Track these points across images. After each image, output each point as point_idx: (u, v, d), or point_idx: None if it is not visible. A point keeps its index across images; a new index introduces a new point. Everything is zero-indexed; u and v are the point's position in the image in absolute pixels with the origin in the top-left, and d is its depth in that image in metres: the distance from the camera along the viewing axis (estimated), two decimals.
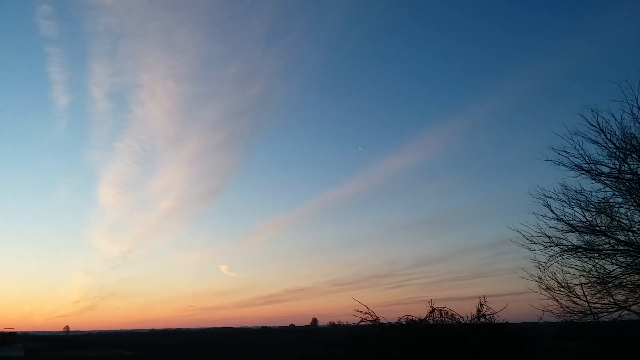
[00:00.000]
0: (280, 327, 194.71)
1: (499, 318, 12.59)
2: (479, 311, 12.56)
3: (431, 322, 12.87)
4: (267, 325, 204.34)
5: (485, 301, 12.64)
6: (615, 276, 13.64)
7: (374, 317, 12.96)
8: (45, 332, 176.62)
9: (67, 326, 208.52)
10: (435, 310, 12.93)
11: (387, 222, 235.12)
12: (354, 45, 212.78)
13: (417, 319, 13.14)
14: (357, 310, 13.07)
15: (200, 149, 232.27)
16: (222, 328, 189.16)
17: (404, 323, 13.34)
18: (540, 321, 13.82)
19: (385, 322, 13.12)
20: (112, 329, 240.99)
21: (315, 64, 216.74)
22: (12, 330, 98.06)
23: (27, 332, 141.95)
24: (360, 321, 13.01)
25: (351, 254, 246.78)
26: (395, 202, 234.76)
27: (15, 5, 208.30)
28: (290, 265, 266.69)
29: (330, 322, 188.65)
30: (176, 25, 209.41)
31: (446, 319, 12.86)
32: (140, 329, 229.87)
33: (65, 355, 68.19)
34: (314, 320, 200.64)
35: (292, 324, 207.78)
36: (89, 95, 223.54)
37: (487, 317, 12.50)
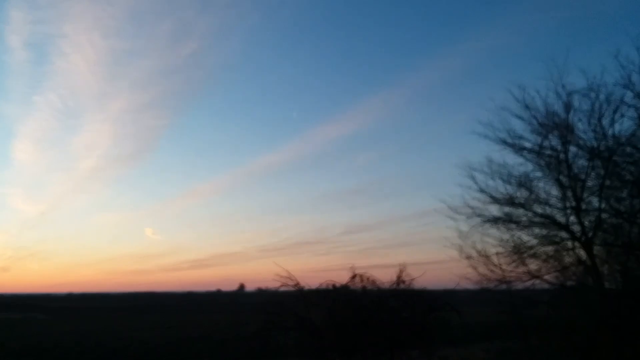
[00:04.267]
0: (206, 292, 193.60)
1: (418, 284, 12.84)
2: (398, 277, 12.73)
3: (352, 287, 12.92)
4: (193, 290, 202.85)
5: (404, 268, 12.85)
6: (530, 246, 14.16)
7: (295, 282, 12.85)
8: None
9: None
10: (357, 276, 12.98)
11: (318, 190, 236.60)
12: (295, 8, 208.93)
13: (338, 285, 13.15)
14: (279, 275, 12.93)
15: (128, 108, 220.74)
16: (144, 292, 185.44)
17: (324, 288, 13.29)
18: (458, 288, 14.21)
19: (307, 287, 13.03)
20: (27, 291, 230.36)
21: (254, 25, 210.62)
22: None
23: None
24: (281, 286, 12.88)
25: (281, 220, 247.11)
26: (327, 171, 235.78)
27: None
28: (219, 231, 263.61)
29: (257, 288, 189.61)
30: None
31: (367, 285, 12.95)
32: (58, 292, 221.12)
33: None
34: (241, 286, 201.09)
35: (218, 289, 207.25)
36: (6, 44, 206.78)
37: (406, 283, 12.71)
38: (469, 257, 14.72)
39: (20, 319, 64.62)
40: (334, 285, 13.29)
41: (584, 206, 13.53)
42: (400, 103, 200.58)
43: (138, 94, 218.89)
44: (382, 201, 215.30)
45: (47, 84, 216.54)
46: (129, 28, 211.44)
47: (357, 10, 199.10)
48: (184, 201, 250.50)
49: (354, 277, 12.96)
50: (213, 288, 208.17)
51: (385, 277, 13.17)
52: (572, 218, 13.66)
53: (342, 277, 13.23)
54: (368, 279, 12.93)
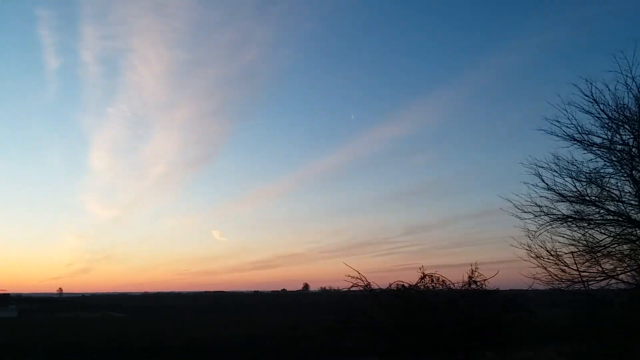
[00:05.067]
0: (272, 291, 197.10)
1: (490, 285, 12.81)
2: (470, 277, 12.75)
3: (422, 288, 13.07)
4: (260, 290, 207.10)
5: (476, 268, 12.82)
6: (604, 245, 13.79)
7: (366, 283, 13.12)
8: (38, 294, 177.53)
9: (60, 288, 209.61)
10: (426, 277, 13.14)
11: (378, 191, 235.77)
12: (347, 15, 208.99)
13: (408, 285, 13.33)
14: (349, 276, 13.22)
15: (192, 115, 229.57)
16: (214, 292, 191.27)
17: (394, 289, 13.51)
18: (526, 288, 14.04)
19: (377, 287, 13.30)
20: (105, 291, 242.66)
21: (308, 33, 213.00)
22: (5, 292, 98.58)
23: (20, 294, 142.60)
24: (352, 286, 13.18)
25: (341, 221, 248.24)
26: (386, 172, 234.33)
27: None
28: (281, 232, 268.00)
29: (321, 288, 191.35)
30: None
31: (437, 285, 13.07)
32: (133, 291, 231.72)
33: (58, 317, 68.86)
34: (306, 286, 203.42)
35: (283, 289, 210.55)
36: (80, 59, 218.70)
37: (478, 283, 12.71)
38: (538, 257, 14.45)
39: (100, 317, 68.28)
40: (403, 286, 13.49)
41: None
42: (459, 101, 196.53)
43: (202, 102, 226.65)
44: (442, 201, 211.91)
45: (119, 95, 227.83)
46: (192, 39, 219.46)
47: (413, 8, 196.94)
48: (248, 204, 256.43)
49: (423, 277, 13.12)
50: (278, 288, 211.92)
51: (452, 277, 13.28)
52: None
53: (404, 277, 13.42)
54: (438, 279, 13.06)
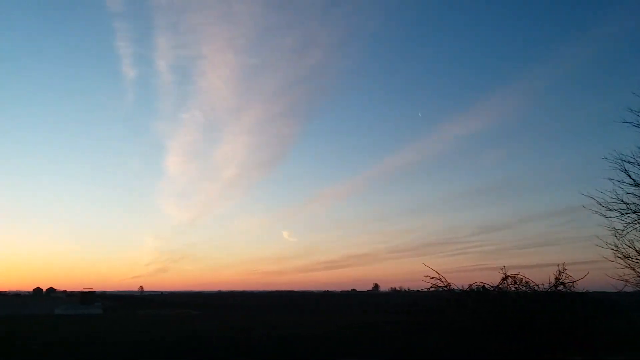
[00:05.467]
0: (341, 291, 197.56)
1: (579, 287, 12.08)
2: (557, 279, 12.08)
3: (505, 289, 12.54)
4: (329, 290, 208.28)
5: (564, 269, 12.14)
6: None
7: (445, 283, 12.73)
8: (121, 291, 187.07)
9: (141, 286, 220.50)
10: (509, 277, 12.58)
11: (446, 189, 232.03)
12: (411, 12, 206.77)
13: (489, 286, 12.83)
14: (427, 276, 12.87)
15: (260, 118, 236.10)
16: (285, 291, 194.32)
17: (475, 289, 13.05)
18: (613, 290, 13.16)
19: (457, 288, 12.88)
20: (182, 289, 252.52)
21: (375, 29, 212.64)
22: (91, 290, 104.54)
23: (104, 291, 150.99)
24: (431, 287, 12.83)
25: (410, 221, 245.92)
26: (454, 170, 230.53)
27: None
28: (350, 232, 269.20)
29: (391, 288, 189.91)
30: None
31: (520, 287, 12.49)
32: (208, 290, 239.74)
33: (140, 314, 72.18)
34: (375, 286, 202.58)
35: (353, 289, 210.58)
36: (155, 68, 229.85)
37: (567, 285, 12.02)
38: (626, 257, 13.54)
39: (177, 314, 70.89)
40: (484, 287, 13.01)
41: None
42: (532, 96, 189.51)
43: (269, 105, 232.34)
44: (515, 199, 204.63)
45: (191, 102, 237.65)
46: (258, 44, 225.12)
47: (480, 2, 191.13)
48: (316, 204, 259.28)
49: (505, 278, 12.58)
50: (348, 288, 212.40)
51: (533, 278, 12.63)
52: None
53: (478, 278, 12.95)
54: (521, 280, 12.48)
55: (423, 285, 12.96)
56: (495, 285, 12.65)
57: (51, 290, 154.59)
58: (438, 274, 12.75)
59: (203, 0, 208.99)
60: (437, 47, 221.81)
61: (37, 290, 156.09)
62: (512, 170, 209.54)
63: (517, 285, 12.50)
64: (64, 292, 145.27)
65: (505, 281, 12.55)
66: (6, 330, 31.97)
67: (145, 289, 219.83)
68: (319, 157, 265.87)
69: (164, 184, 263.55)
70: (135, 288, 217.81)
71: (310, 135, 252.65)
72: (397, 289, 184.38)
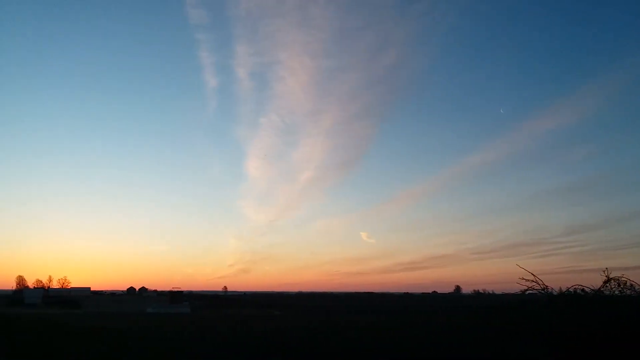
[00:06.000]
0: (422, 293, 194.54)
1: None
2: None
3: (607, 293, 11.87)
4: (409, 292, 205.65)
5: None
6: None
7: (542, 286, 12.21)
8: (206, 291, 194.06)
9: (225, 287, 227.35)
10: (612, 280, 11.88)
11: (531, 188, 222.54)
12: (489, 5, 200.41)
13: (589, 289, 12.19)
14: (522, 278, 12.41)
15: (337, 121, 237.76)
16: (364, 293, 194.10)
17: (572, 292, 12.46)
18: None
19: (554, 291, 12.35)
20: (264, 290, 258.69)
21: (451, 26, 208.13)
22: (180, 290, 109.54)
23: (191, 291, 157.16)
24: (526, 290, 12.35)
25: (492, 221, 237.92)
26: (539, 168, 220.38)
27: None
28: (429, 233, 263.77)
29: (474, 290, 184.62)
30: (309, 2, 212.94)
31: (625, 290, 11.76)
32: (289, 290, 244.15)
33: (225, 313, 74.65)
34: (457, 288, 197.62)
35: (434, 291, 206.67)
36: (235, 76, 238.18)
37: None
38: None
39: (260, 314, 72.62)
40: (583, 290, 12.39)
41: None
42: (628, 86, 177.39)
43: (346, 107, 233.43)
44: (608, 197, 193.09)
45: (269, 106, 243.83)
46: (333, 47, 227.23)
47: None
48: (394, 205, 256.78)
49: (607, 280, 11.90)
50: (428, 290, 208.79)
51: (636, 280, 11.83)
52: None
53: (569, 280, 12.34)
54: (625, 283, 11.75)
55: (509, 287, 12.60)
56: (597, 288, 11.99)
57: (143, 289, 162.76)
58: (534, 276, 12.25)
59: (279, 7, 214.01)
60: (518, 39, 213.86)
61: (131, 289, 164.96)
62: (604, 167, 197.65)
63: (620, 289, 11.78)
64: (155, 291, 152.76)
65: (607, 284, 11.87)
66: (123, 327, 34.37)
67: (230, 289, 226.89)
68: (397, 157, 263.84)
69: (244, 187, 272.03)
70: (220, 288, 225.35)
71: (387, 135, 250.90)
72: (481, 291, 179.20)
